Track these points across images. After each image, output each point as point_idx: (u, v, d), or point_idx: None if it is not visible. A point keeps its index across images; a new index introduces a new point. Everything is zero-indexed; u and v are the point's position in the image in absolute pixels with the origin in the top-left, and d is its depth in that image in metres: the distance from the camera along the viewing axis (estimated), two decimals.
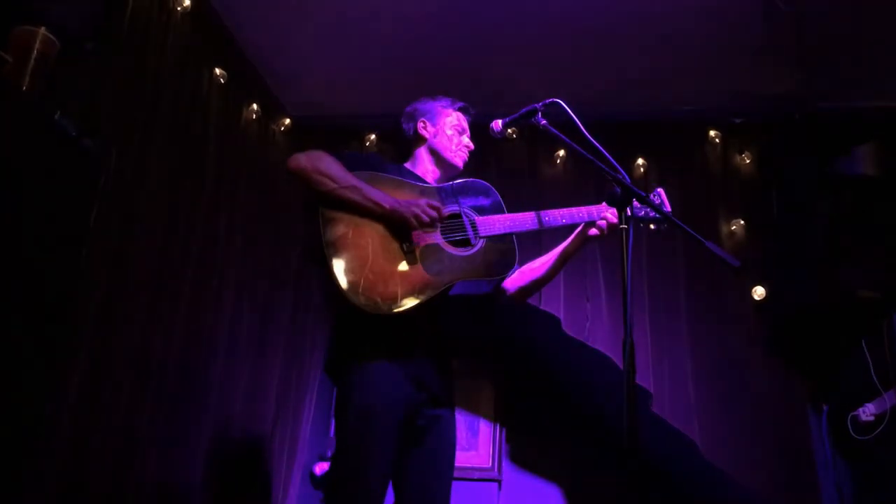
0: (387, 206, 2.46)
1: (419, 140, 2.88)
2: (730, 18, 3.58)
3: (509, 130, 3.82)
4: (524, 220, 2.67)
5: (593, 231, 2.64)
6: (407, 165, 2.86)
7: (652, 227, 2.62)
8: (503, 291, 2.80)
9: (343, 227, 2.44)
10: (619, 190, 2.20)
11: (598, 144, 2.31)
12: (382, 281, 2.40)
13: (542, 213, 2.68)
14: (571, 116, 2.37)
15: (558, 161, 4.21)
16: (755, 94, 4.07)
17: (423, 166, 2.84)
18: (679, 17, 3.59)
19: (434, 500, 2.52)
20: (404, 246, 2.48)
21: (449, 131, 2.86)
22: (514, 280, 2.77)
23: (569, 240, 2.71)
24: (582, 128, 2.34)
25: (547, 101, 2.46)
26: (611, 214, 2.60)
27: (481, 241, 2.60)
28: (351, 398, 2.41)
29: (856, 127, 3.88)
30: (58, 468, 2.50)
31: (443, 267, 2.50)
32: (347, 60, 4.06)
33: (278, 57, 4.06)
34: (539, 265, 2.76)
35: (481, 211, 2.69)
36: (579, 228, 2.68)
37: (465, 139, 2.89)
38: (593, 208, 2.67)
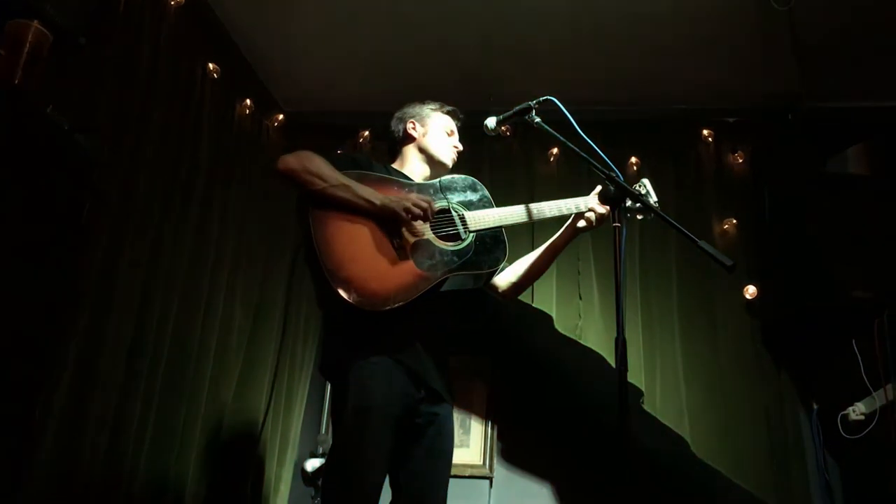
0: (377, 203, 2.47)
1: (408, 140, 2.89)
2: (724, 17, 3.58)
3: (503, 128, 3.81)
4: (513, 213, 2.68)
5: (582, 223, 2.67)
6: (395, 165, 2.87)
7: (639, 216, 2.63)
8: (495, 288, 2.82)
9: (334, 225, 2.44)
10: (612, 188, 2.21)
11: (591, 142, 2.32)
12: (375, 277, 2.40)
13: (532, 205, 2.70)
14: (565, 114, 2.38)
15: (552, 158, 4.21)
16: (748, 94, 4.08)
17: (411, 166, 2.85)
18: (672, 15, 3.59)
19: (432, 497, 2.53)
20: (395, 242, 2.48)
21: (438, 132, 2.88)
22: (506, 276, 2.80)
23: (558, 233, 2.74)
24: (576, 125, 2.36)
25: (541, 98, 2.48)
26: (598, 205, 2.64)
27: (471, 235, 2.61)
28: (348, 397, 2.40)
29: (848, 127, 3.90)
30: (48, 465, 2.50)
31: (434, 261, 2.51)
32: (341, 56, 4.06)
33: (272, 52, 4.05)
34: (529, 260, 2.79)
35: (469, 206, 2.70)
36: (569, 221, 2.71)
37: (454, 140, 2.91)
38: (581, 200, 2.69)
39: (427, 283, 2.46)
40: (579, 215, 2.68)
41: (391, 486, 2.53)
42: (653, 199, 2.56)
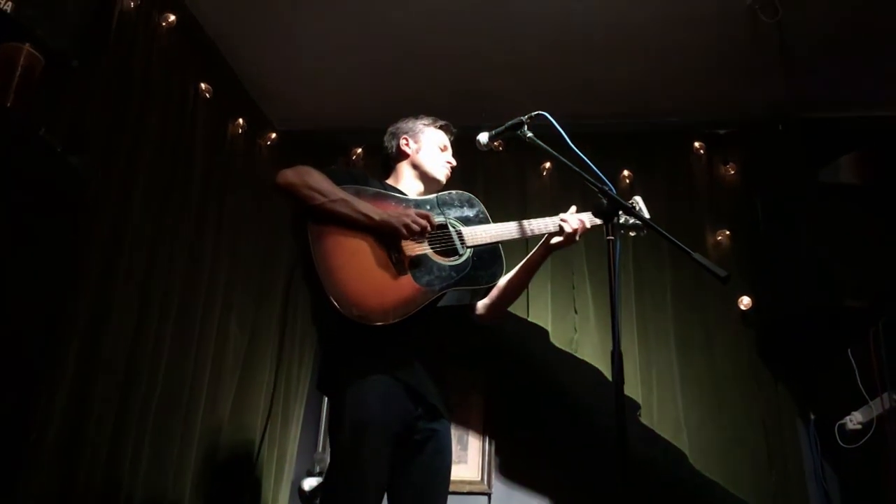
0: (376, 218, 2.47)
1: (401, 156, 2.89)
2: (713, 29, 3.61)
3: (495, 143, 3.84)
4: (507, 230, 2.69)
5: (556, 239, 2.68)
6: (389, 182, 2.87)
7: (632, 233, 2.64)
8: (471, 310, 2.82)
9: (333, 240, 2.44)
10: (605, 201, 2.22)
11: (583, 156, 2.32)
12: (374, 292, 2.40)
13: (525, 222, 2.71)
14: (557, 128, 2.39)
15: (545, 173, 4.22)
16: (739, 105, 4.10)
17: (406, 182, 2.86)
18: (663, 28, 3.62)
19: None
20: (393, 256, 2.48)
21: (431, 147, 2.88)
22: (483, 299, 2.79)
23: (532, 252, 2.75)
24: (568, 139, 2.36)
25: (533, 113, 2.48)
26: (572, 220, 2.65)
27: (468, 250, 2.62)
28: (345, 414, 2.40)
29: (840, 137, 3.92)
30: (45, 481, 2.48)
31: (432, 277, 2.51)
32: (334, 74, 4.07)
33: (264, 71, 4.06)
34: (503, 281, 2.78)
35: (466, 221, 2.71)
36: (543, 238, 2.72)
37: (448, 155, 2.92)
38: (563, 216, 2.71)
39: (425, 298, 2.46)
40: (554, 232, 2.69)
41: (389, 502, 2.52)
42: (645, 216, 2.58)
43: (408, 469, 2.50)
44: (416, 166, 2.87)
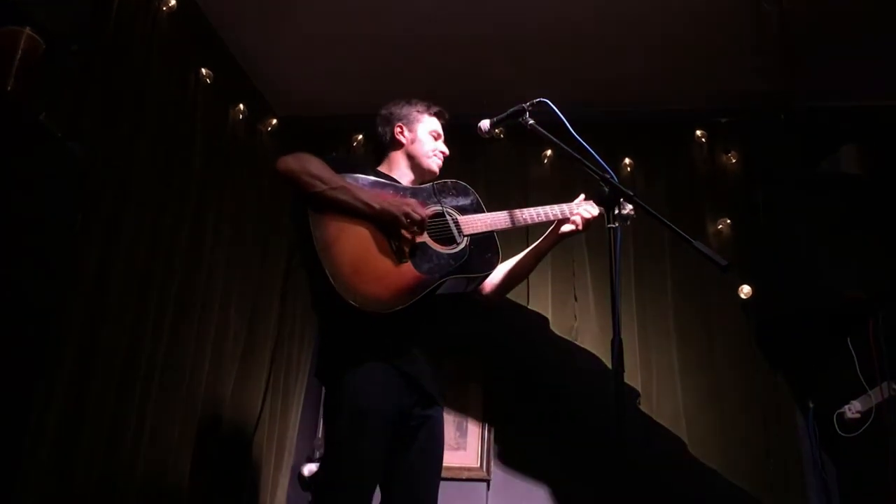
0: (376, 206, 2.47)
1: (395, 145, 2.88)
2: (715, 19, 3.59)
3: (497, 130, 3.83)
4: (502, 219, 2.71)
5: (567, 227, 2.70)
6: (382, 169, 2.86)
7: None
8: (478, 291, 2.84)
9: (334, 227, 2.45)
10: (606, 189, 2.21)
11: (585, 144, 2.32)
12: (376, 280, 2.41)
13: (516, 211, 2.73)
14: (559, 116, 2.38)
15: (546, 161, 4.22)
16: (741, 94, 4.09)
17: (400, 170, 2.85)
18: (664, 18, 3.60)
19: (422, 500, 2.53)
20: (393, 245, 2.49)
21: (425, 137, 2.87)
22: (489, 279, 2.81)
23: (542, 238, 2.77)
24: (569, 127, 2.35)
25: (534, 100, 2.48)
26: (584, 211, 2.67)
27: (465, 239, 2.63)
28: (343, 402, 2.41)
29: (841, 126, 3.91)
30: (46, 464, 2.49)
31: (432, 265, 2.53)
32: (335, 60, 4.05)
33: (265, 57, 4.04)
34: (511, 263, 2.82)
35: (462, 210, 2.72)
36: (553, 226, 2.74)
37: (440, 144, 2.90)
38: (566, 206, 2.72)
39: (426, 286, 2.47)
40: (563, 220, 2.71)
41: (381, 487, 2.53)
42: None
43: (401, 455, 2.51)
44: (410, 156, 2.86)
